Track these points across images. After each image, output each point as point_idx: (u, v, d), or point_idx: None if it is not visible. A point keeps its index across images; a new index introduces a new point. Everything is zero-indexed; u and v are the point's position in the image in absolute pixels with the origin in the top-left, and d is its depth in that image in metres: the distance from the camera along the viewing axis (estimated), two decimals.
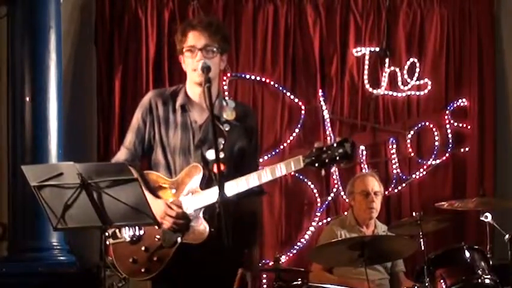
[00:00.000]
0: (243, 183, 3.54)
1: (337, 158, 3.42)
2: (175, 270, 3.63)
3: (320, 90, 6.51)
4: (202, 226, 3.59)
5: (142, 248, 3.66)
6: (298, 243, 6.35)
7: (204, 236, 3.57)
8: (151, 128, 3.74)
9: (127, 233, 3.68)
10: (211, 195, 3.55)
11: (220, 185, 3.28)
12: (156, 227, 3.59)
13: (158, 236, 3.64)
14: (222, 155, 3.54)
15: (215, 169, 3.43)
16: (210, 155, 3.63)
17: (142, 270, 3.65)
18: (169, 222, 3.60)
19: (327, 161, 3.43)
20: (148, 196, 3.53)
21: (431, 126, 6.70)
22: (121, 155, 3.79)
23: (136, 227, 3.66)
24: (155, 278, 3.68)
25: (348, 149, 3.41)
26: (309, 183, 6.42)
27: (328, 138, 3.44)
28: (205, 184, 3.62)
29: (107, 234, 3.61)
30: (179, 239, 3.61)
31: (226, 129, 3.69)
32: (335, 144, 3.43)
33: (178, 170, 3.69)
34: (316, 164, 3.45)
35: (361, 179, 5.64)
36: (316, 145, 3.48)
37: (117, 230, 3.68)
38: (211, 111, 3.39)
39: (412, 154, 6.66)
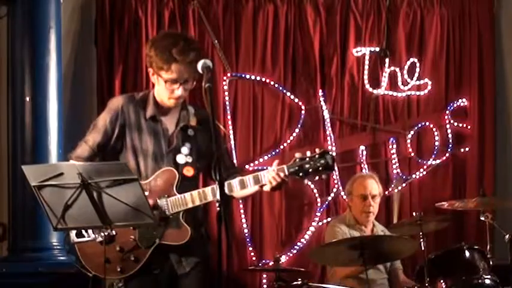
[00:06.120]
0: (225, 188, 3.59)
1: (320, 168, 3.62)
2: (151, 269, 3.75)
3: (320, 90, 6.50)
4: (183, 228, 3.70)
5: (117, 248, 3.72)
6: (298, 243, 6.34)
7: (186, 237, 3.69)
8: (121, 132, 3.82)
9: (96, 233, 3.67)
10: (190, 200, 3.68)
11: (220, 185, 3.30)
12: (131, 228, 3.68)
13: (133, 237, 3.71)
14: (190, 159, 3.76)
15: (185, 172, 3.74)
16: (181, 159, 3.78)
17: (118, 269, 3.72)
18: None
19: (310, 170, 3.63)
20: None
21: (431, 126, 6.69)
22: (83, 152, 3.84)
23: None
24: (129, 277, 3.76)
25: (329, 161, 3.61)
26: (309, 183, 6.41)
27: (308, 152, 3.69)
28: (179, 188, 3.72)
29: (70, 233, 3.70)
30: (157, 240, 3.71)
31: (191, 134, 3.82)
32: (317, 156, 3.62)
33: (149, 173, 3.77)
34: (300, 174, 3.63)
35: (360, 181, 5.63)
36: (298, 155, 3.65)
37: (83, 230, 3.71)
38: (212, 111, 3.40)
39: (412, 154, 6.65)
